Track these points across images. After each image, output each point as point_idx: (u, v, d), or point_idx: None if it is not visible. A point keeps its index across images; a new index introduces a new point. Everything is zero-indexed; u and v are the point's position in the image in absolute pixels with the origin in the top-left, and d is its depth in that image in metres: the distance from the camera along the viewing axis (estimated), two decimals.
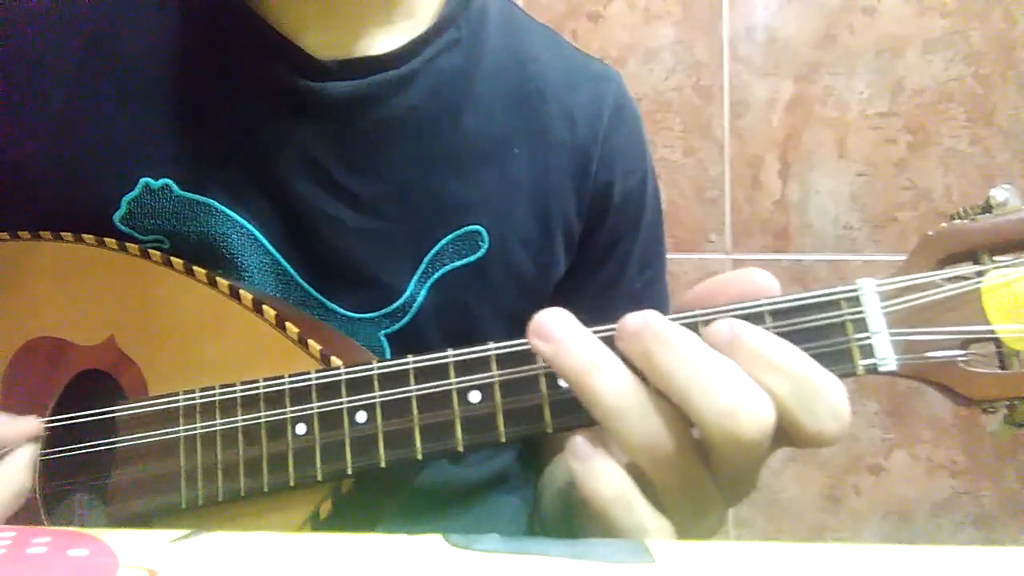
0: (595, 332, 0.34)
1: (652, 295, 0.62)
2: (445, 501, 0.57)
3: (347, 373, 0.38)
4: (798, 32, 1.18)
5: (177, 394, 0.41)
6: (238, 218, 0.49)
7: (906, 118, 1.15)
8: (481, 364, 0.36)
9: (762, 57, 1.19)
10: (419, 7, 0.52)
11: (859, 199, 1.18)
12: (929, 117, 1.14)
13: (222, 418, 0.40)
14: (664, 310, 0.34)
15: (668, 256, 0.65)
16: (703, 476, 0.33)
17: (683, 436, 0.32)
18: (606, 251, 0.59)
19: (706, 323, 0.34)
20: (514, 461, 0.62)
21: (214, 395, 0.41)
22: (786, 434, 0.32)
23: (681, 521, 0.34)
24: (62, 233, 0.48)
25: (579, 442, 0.33)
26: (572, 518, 0.48)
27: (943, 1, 1.12)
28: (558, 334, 0.33)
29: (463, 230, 0.52)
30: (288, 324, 0.42)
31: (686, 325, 0.34)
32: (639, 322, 0.32)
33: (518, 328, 0.55)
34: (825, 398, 0.31)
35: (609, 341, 0.34)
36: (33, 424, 0.43)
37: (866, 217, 1.18)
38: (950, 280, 0.34)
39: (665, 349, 0.31)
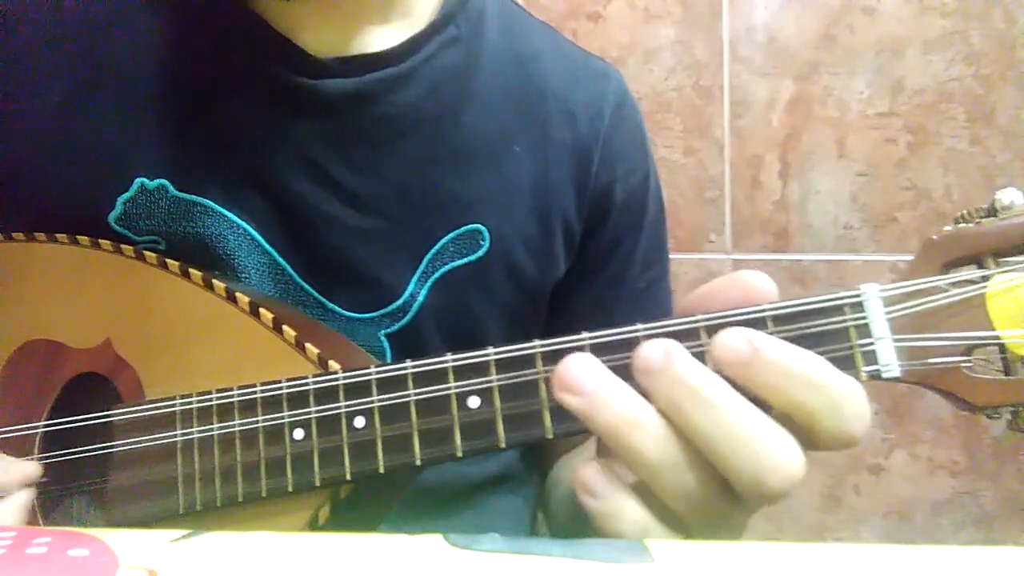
0: (600, 337, 0.34)
1: (655, 295, 0.62)
2: (446, 501, 0.57)
3: (345, 378, 0.38)
4: (798, 32, 1.17)
5: (174, 398, 0.41)
6: (235, 218, 0.49)
7: (906, 118, 1.15)
8: (480, 368, 0.36)
9: (762, 57, 1.19)
10: (417, 4, 0.52)
11: (859, 199, 1.18)
12: (929, 117, 1.14)
13: (219, 423, 0.40)
14: (667, 310, 0.34)
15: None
16: (736, 513, 0.33)
17: (722, 483, 0.31)
18: (608, 251, 0.59)
19: (708, 329, 0.33)
20: (516, 461, 0.62)
21: (211, 399, 0.40)
22: (813, 440, 0.31)
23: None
24: (57, 235, 0.48)
25: (592, 479, 0.32)
26: (583, 522, 0.48)
27: (943, 1, 1.11)
28: (589, 387, 0.31)
29: (463, 229, 0.52)
30: (285, 327, 0.42)
31: (688, 331, 0.34)
32: (660, 360, 0.31)
33: (518, 327, 0.55)
34: (851, 402, 0.31)
35: (613, 347, 0.33)
36: (31, 468, 0.43)
37: (866, 217, 1.18)
38: (955, 285, 0.34)
39: (695, 403, 0.30)
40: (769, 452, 0.30)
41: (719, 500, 0.32)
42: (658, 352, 0.31)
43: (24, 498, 0.42)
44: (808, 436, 0.31)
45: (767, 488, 0.30)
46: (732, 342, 0.31)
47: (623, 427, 0.31)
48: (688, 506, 0.32)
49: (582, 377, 0.31)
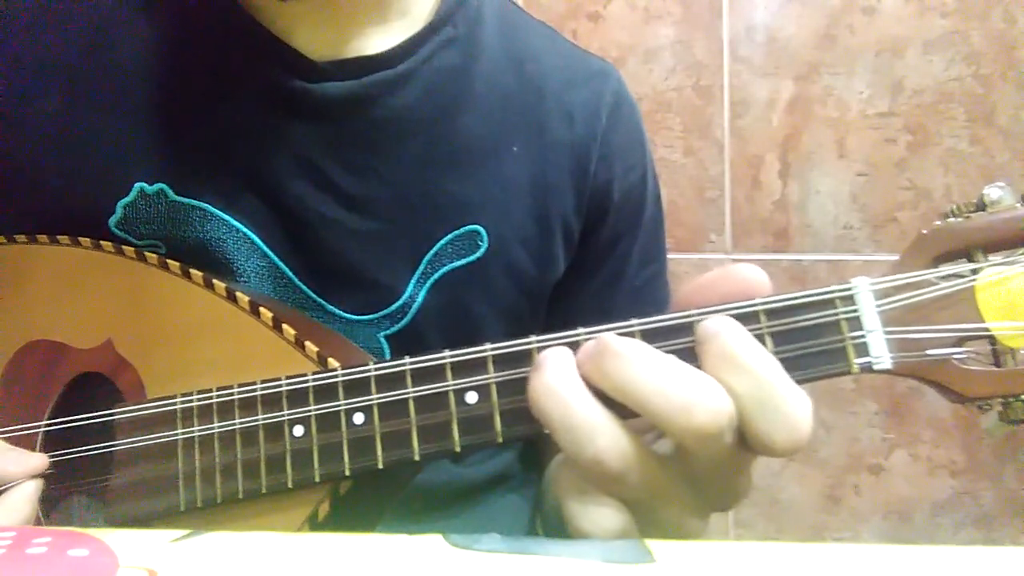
0: (595, 332, 0.34)
1: (653, 292, 0.62)
2: (445, 501, 0.57)
3: (344, 375, 0.38)
4: (798, 32, 1.18)
5: (175, 397, 0.41)
6: (234, 222, 0.49)
7: (906, 118, 1.15)
8: (478, 365, 0.36)
9: (762, 57, 1.19)
10: (414, 5, 0.52)
11: (859, 199, 1.18)
12: (929, 117, 1.14)
13: (220, 421, 0.40)
14: (666, 307, 0.34)
15: (668, 256, 0.65)
16: (676, 493, 0.33)
17: (663, 463, 0.32)
18: (607, 249, 0.59)
19: (701, 322, 0.34)
20: (515, 460, 0.62)
21: (211, 398, 0.41)
22: (741, 437, 0.32)
23: (666, 533, 0.34)
24: (59, 236, 0.48)
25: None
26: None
27: (943, 1, 1.12)
28: (543, 357, 0.33)
29: (462, 230, 0.52)
30: (285, 326, 0.42)
31: (681, 325, 0.34)
32: (593, 346, 0.33)
33: (517, 327, 0.55)
34: (783, 408, 0.31)
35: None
36: (40, 460, 0.43)
37: (866, 217, 1.18)
38: (945, 278, 0.34)
39: (616, 361, 0.32)
40: (687, 389, 0.31)
41: (668, 482, 0.33)
42: (591, 342, 0.33)
43: (31, 488, 0.42)
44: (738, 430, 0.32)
45: (695, 427, 0.30)
46: (707, 321, 0.33)
47: (545, 388, 0.33)
48: (630, 487, 0.32)
49: (545, 352, 0.34)
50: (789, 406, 0.31)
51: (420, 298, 0.52)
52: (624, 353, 0.32)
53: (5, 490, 0.41)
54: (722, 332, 0.32)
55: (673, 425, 0.31)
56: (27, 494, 0.42)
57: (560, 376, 0.33)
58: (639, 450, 0.32)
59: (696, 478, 0.33)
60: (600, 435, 0.32)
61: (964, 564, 0.24)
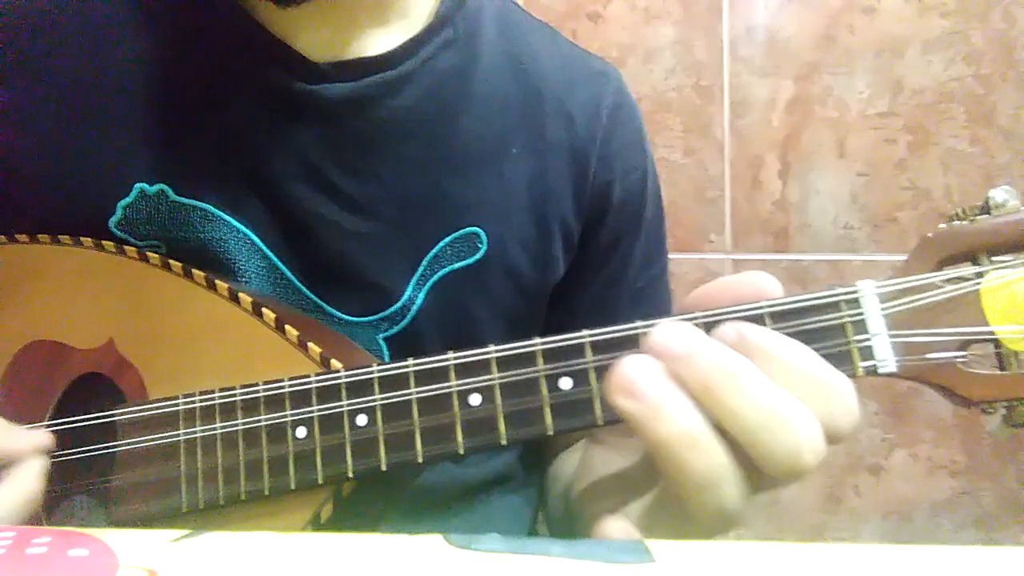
0: (600, 334, 0.34)
1: (654, 293, 0.62)
2: (446, 501, 0.57)
3: (347, 376, 0.38)
4: (798, 32, 1.17)
5: (177, 398, 0.41)
6: (234, 223, 0.49)
7: (906, 118, 1.15)
8: (481, 367, 0.36)
9: (762, 57, 1.19)
10: (413, 7, 0.52)
11: (859, 199, 1.18)
12: (929, 117, 1.14)
13: (222, 421, 0.40)
14: (667, 308, 0.34)
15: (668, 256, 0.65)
16: (743, 517, 0.33)
17: (753, 491, 0.32)
18: (607, 251, 0.59)
19: (707, 325, 0.34)
20: (516, 461, 0.62)
21: (214, 398, 0.41)
22: None
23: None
24: (60, 236, 0.48)
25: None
26: (577, 519, 0.48)
27: (943, 1, 1.11)
28: (650, 394, 0.30)
29: (461, 232, 0.52)
30: (288, 327, 0.42)
31: None
32: (684, 344, 0.31)
33: (517, 330, 0.55)
34: (840, 395, 0.31)
35: (613, 345, 0.34)
36: (43, 436, 0.43)
37: (866, 217, 1.18)
38: (949, 281, 0.34)
39: (730, 387, 0.30)
40: (800, 432, 0.30)
41: (742, 508, 0.32)
42: (680, 336, 0.31)
43: (39, 465, 0.42)
44: None
45: (799, 467, 0.30)
46: (722, 332, 0.32)
47: (680, 442, 0.30)
48: (710, 515, 0.32)
49: (643, 383, 0.31)
50: (845, 391, 0.31)
51: (419, 300, 0.52)
52: (739, 378, 0.30)
53: (11, 466, 0.41)
54: (751, 337, 0.31)
55: (779, 468, 0.30)
56: (36, 468, 0.42)
57: (663, 390, 0.30)
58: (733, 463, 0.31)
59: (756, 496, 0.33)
60: (718, 450, 0.30)
61: (964, 564, 0.24)
